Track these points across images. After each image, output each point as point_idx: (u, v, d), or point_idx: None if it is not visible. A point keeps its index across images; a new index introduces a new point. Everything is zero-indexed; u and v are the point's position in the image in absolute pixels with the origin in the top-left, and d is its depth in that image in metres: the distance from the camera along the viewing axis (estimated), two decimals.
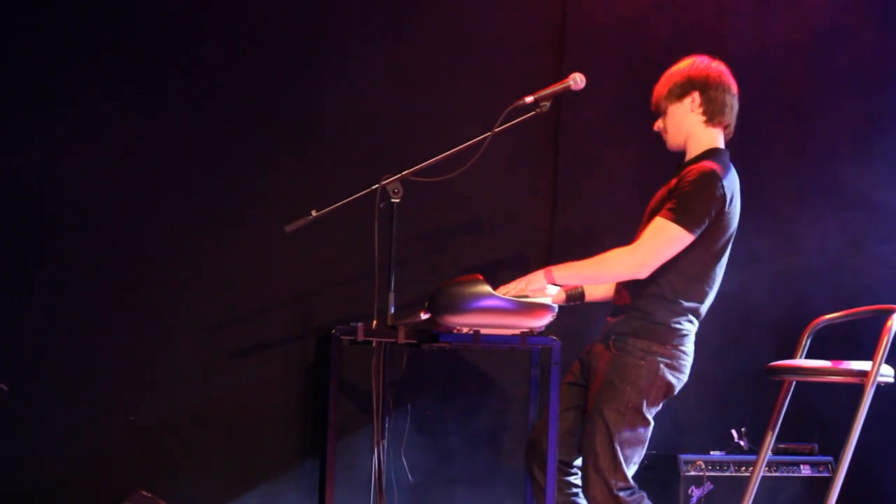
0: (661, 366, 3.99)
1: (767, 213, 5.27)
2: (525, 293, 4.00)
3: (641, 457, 4.05)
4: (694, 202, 3.93)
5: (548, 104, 4.13)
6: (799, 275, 5.28)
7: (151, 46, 4.67)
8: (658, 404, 4.04)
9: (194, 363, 4.70)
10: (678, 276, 3.99)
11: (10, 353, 4.47)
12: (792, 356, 4.37)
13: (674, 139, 4.16)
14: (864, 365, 4.11)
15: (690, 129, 4.12)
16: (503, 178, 5.05)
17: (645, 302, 4.01)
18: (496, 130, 4.10)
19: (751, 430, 4.87)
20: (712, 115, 4.10)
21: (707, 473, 4.83)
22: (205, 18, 4.75)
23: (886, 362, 4.10)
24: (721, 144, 4.13)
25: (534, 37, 5.12)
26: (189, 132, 4.70)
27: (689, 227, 3.93)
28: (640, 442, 4.01)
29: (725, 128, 4.15)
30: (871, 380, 4.07)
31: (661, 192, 4.14)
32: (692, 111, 4.10)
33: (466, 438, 4.98)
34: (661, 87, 4.15)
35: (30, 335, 4.52)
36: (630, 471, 4.01)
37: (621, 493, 3.97)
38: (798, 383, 4.34)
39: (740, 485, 4.64)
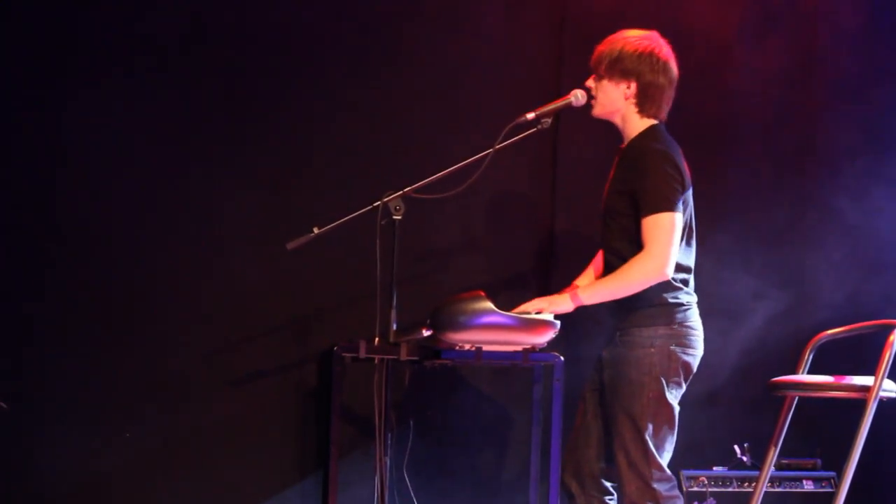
0: (672, 347, 3.97)
1: (774, 232, 5.26)
2: (545, 311, 3.99)
3: (673, 443, 4.01)
4: (663, 186, 3.94)
5: (549, 121, 4.12)
6: (807, 293, 5.26)
7: (159, 59, 4.68)
8: (681, 386, 4.00)
9: (196, 380, 4.69)
10: None
11: (8, 369, 4.48)
12: (794, 372, 4.37)
13: (600, 111, 4.13)
14: (866, 380, 4.11)
15: (623, 112, 4.10)
16: (502, 194, 5.04)
17: None
18: (497, 147, 4.10)
19: (753, 445, 4.86)
20: (645, 107, 4.07)
21: (710, 489, 4.82)
22: (210, 35, 4.75)
23: (889, 377, 4.10)
24: (655, 121, 4.10)
25: (532, 50, 5.12)
26: (188, 152, 4.70)
27: (673, 209, 3.93)
28: (669, 430, 3.98)
29: (658, 117, 4.11)
30: (874, 395, 4.06)
31: (608, 184, 4.14)
32: (625, 98, 4.08)
33: (469, 455, 4.97)
34: (608, 53, 4.08)
35: (28, 353, 4.53)
36: (664, 459, 3.98)
37: (657, 486, 3.93)
38: (801, 398, 4.34)
39: (743, 500, 4.63)
